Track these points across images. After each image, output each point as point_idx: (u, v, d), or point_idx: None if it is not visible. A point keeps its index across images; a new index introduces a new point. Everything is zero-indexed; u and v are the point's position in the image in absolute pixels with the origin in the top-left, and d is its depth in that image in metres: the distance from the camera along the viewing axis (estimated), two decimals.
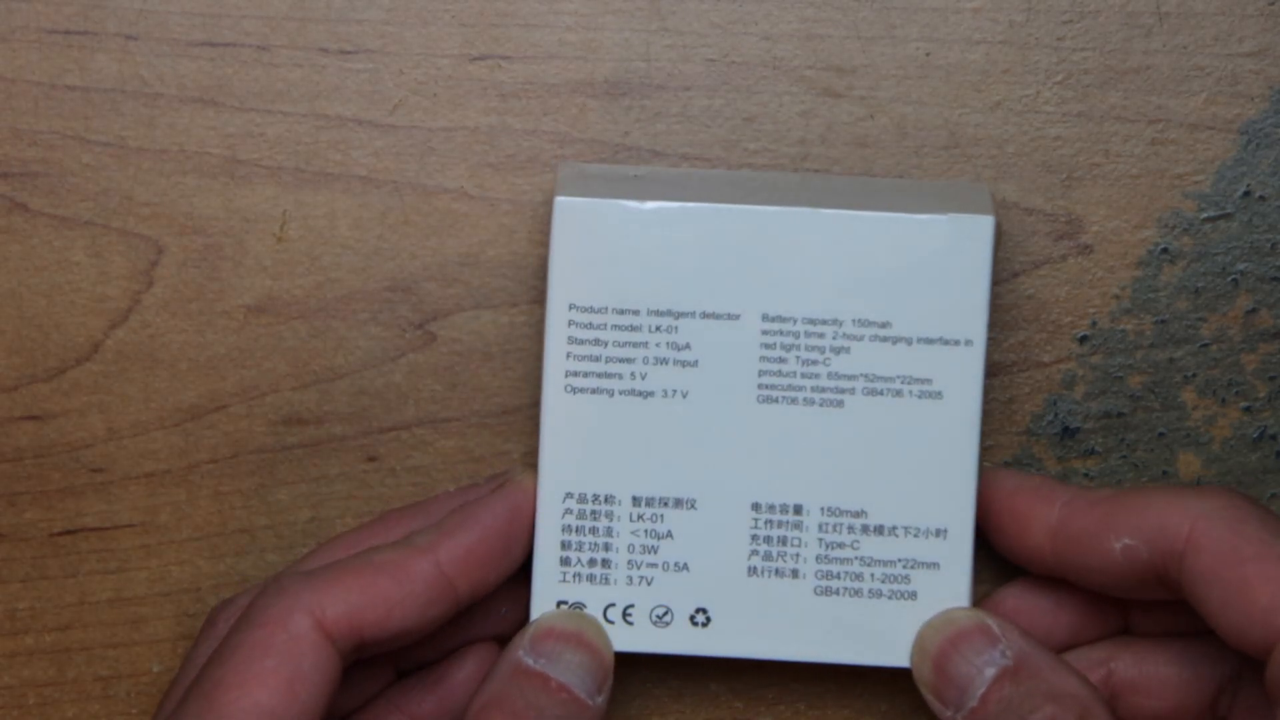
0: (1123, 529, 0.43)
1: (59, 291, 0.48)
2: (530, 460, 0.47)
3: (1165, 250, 0.47)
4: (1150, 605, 0.45)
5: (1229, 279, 0.47)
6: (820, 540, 0.44)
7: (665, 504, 0.44)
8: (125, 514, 0.48)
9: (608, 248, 0.44)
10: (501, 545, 0.43)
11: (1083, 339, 0.48)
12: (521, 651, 0.43)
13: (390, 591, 0.42)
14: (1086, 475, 0.48)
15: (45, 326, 0.48)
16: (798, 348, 0.44)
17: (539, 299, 0.48)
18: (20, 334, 0.48)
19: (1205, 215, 0.48)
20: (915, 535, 0.44)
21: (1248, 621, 0.41)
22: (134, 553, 0.48)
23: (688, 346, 0.44)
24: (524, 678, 0.42)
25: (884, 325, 0.44)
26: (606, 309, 0.44)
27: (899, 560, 0.44)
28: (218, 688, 0.40)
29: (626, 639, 0.44)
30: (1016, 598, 0.46)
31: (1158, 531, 0.42)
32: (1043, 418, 0.48)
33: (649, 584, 0.44)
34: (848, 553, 0.44)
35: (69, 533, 0.48)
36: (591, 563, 0.44)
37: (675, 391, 0.44)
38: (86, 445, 0.48)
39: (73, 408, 0.48)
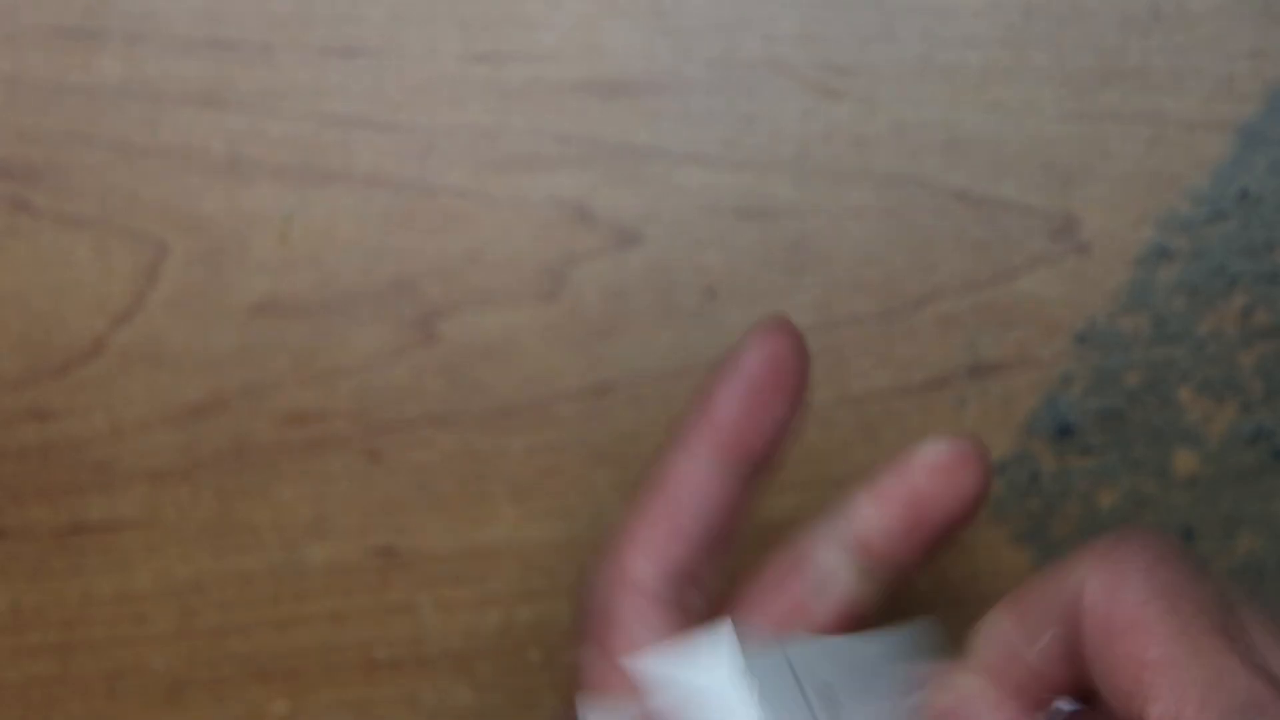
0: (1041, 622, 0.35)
1: (63, 290, 0.48)
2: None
3: (1162, 249, 0.48)
4: None
5: (1226, 278, 0.48)
6: None
7: None
8: (129, 511, 0.48)
9: None
10: None
11: (1080, 337, 0.48)
12: None
13: None
14: (1084, 472, 0.48)
15: (50, 325, 0.48)
16: None
17: (540, 297, 0.48)
18: (25, 332, 0.48)
19: (1202, 215, 0.48)
20: None
21: (1119, 707, 0.34)
22: (138, 550, 0.48)
23: None
24: None
25: None
26: None
27: None
28: None
29: None
30: None
31: (1061, 611, 0.35)
32: (1040, 415, 0.48)
33: None
34: None
35: (73, 530, 0.48)
36: None
37: None
38: (90, 443, 0.48)
39: (77, 406, 0.48)
